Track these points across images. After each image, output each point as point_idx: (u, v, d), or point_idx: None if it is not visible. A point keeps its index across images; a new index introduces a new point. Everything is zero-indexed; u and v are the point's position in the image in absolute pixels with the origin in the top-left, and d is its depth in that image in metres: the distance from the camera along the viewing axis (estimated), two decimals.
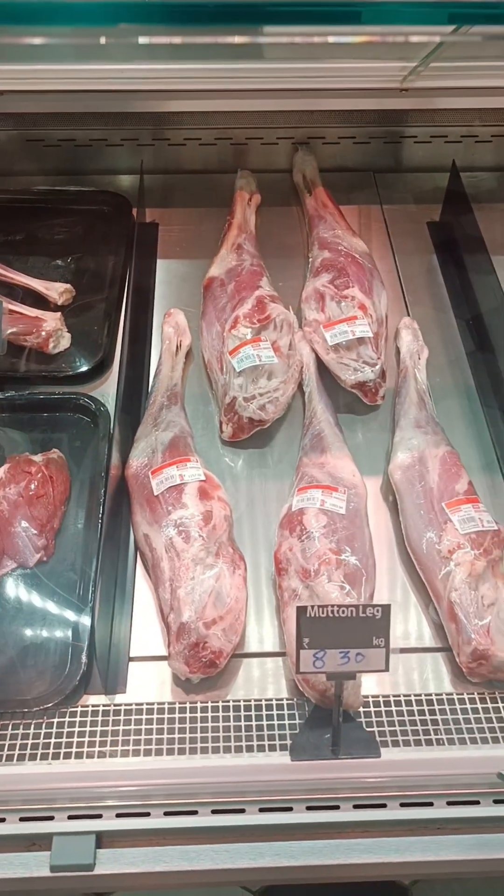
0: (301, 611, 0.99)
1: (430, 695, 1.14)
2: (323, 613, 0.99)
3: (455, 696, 1.13)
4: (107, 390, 1.52)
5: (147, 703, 1.11)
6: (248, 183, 1.87)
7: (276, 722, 1.10)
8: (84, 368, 1.53)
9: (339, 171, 1.98)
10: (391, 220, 1.89)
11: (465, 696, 1.14)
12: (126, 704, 1.11)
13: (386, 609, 0.99)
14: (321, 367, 1.52)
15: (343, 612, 0.99)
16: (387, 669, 1.00)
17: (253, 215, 1.82)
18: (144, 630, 1.21)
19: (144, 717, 1.10)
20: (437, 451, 1.35)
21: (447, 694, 1.14)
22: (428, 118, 1.90)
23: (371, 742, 1.06)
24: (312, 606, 0.99)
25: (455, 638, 1.16)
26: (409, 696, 1.13)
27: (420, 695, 1.14)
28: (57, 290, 1.63)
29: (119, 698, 1.12)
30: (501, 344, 1.53)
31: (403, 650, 1.20)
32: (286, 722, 1.10)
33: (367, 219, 1.89)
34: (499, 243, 1.66)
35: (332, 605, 0.98)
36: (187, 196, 1.94)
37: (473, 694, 1.14)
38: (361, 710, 1.11)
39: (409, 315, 1.67)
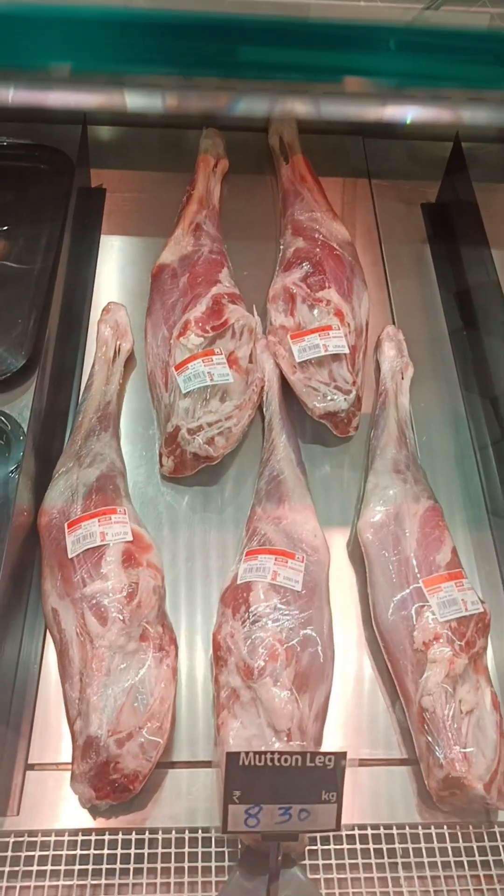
0: (232, 758, 0.77)
1: (391, 826, 0.94)
2: (259, 761, 0.77)
3: (420, 831, 0.93)
4: (29, 404, 1.26)
5: (43, 832, 0.90)
6: (215, 145, 1.58)
7: (199, 864, 0.89)
8: (2, 376, 1.27)
9: (324, 133, 1.69)
10: (380, 199, 1.61)
11: (433, 831, 0.94)
12: (16, 833, 0.90)
13: (339, 758, 0.78)
14: (286, 385, 1.27)
15: (286, 760, 0.77)
16: (338, 829, 0.79)
17: (218, 185, 1.54)
18: (50, 729, 0.99)
19: (38, 853, 0.89)
20: (417, 507, 1.12)
21: (410, 826, 0.94)
22: None
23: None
24: (246, 753, 0.77)
25: (425, 756, 0.96)
26: (365, 826, 0.93)
27: (378, 825, 0.94)
28: None
29: (8, 822, 0.91)
30: (499, 367, 1.29)
31: (363, 762, 0.99)
32: (212, 864, 0.89)
33: (351, 195, 1.62)
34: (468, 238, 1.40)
35: (272, 752, 0.77)
36: (144, 155, 1.64)
37: (443, 829, 0.94)
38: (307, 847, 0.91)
39: (394, 322, 1.41)
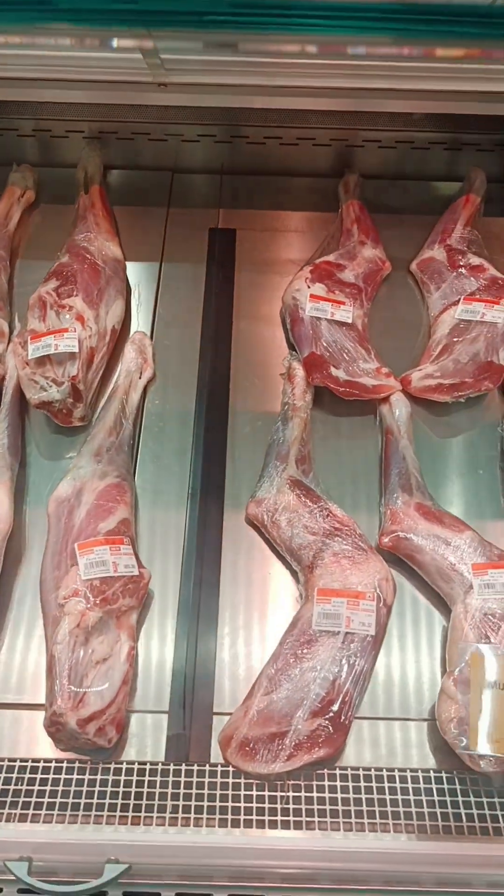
0: None
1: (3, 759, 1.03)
2: None
3: (29, 764, 1.03)
4: None
5: None
6: (24, 178, 1.75)
7: None
8: None
9: (137, 168, 1.86)
10: (174, 225, 1.76)
11: (53, 765, 1.02)
12: None
13: None
14: None
15: None
16: None
17: (19, 213, 1.71)
18: None
19: None
20: (100, 483, 1.24)
21: (33, 760, 1.03)
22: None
23: None
24: None
25: (47, 697, 1.05)
26: None
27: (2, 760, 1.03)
28: None
29: None
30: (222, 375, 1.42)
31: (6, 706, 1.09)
32: None
33: (148, 221, 1.76)
34: (248, 260, 1.55)
35: None
36: None
37: (51, 763, 1.03)
38: None
39: (152, 331, 1.55)
